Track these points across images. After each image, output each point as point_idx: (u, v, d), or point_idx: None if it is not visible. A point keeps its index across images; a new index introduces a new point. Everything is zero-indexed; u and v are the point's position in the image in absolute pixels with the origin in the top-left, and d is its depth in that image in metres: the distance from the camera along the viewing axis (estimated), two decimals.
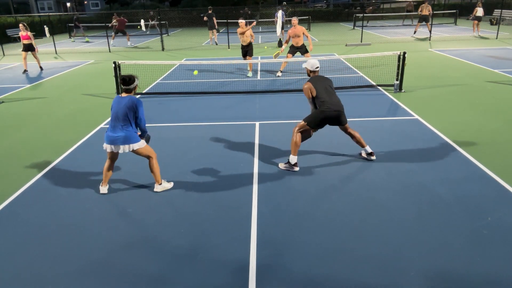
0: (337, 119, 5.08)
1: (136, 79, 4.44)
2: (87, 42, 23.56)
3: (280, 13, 17.12)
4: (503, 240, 3.59)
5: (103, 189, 4.72)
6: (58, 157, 5.87)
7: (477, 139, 6.01)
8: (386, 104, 8.06)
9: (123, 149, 4.40)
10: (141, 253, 3.60)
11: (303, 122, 5.11)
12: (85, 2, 50.21)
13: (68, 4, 48.37)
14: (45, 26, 22.33)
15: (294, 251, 3.56)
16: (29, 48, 12.92)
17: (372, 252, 3.51)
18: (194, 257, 3.52)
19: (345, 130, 5.30)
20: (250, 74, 11.34)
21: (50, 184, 5.01)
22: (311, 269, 3.32)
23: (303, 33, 10.23)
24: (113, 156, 4.63)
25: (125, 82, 4.37)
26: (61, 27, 30.32)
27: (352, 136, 5.32)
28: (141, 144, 4.46)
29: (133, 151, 4.45)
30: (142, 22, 25.60)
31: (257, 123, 7.06)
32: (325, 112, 4.97)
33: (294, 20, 10.26)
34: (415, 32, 20.27)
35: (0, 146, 6.45)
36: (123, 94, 4.43)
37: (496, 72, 10.74)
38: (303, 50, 10.40)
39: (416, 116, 7.19)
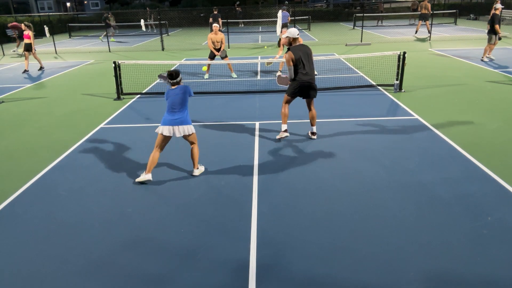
0: (308, 89, 5.83)
1: (180, 73, 5.11)
2: (104, 41, 22.86)
3: (280, 13, 17.10)
4: (503, 240, 3.59)
5: (148, 176, 4.91)
6: (58, 157, 5.87)
7: (477, 139, 6.02)
8: (386, 104, 8.06)
9: (182, 130, 4.92)
10: (140, 253, 3.60)
11: (285, 95, 5.99)
12: (85, 2, 50.21)
13: (68, 4, 48.37)
14: (45, 26, 22.30)
15: (294, 251, 3.56)
16: (28, 48, 12.93)
17: (372, 252, 3.51)
18: (194, 257, 3.52)
19: (308, 104, 6.05)
20: (234, 75, 11.25)
21: (50, 184, 5.01)
22: (311, 268, 3.32)
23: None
24: (163, 143, 4.96)
25: (172, 77, 5.04)
26: (61, 27, 30.30)
27: (310, 110, 6.07)
28: (193, 129, 5.05)
29: (185, 136, 4.99)
30: (142, 22, 25.59)
31: (257, 123, 7.06)
32: (298, 82, 5.76)
33: (284, 30, 10.24)
34: (416, 31, 20.27)
35: (0, 146, 6.46)
36: (173, 87, 5.08)
37: (496, 72, 10.74)
38: None
39: (416, 116, 7.19)
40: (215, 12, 19.55)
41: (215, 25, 10.55)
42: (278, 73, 11.14)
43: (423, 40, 18.68)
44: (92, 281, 3.26)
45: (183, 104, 4.98)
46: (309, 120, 6.22)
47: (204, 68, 9.68)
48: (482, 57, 12.57)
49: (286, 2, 27.15)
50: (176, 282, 3.22)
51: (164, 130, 4.89)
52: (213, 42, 10.53)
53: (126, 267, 3.42)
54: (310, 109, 6.08)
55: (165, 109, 4.99)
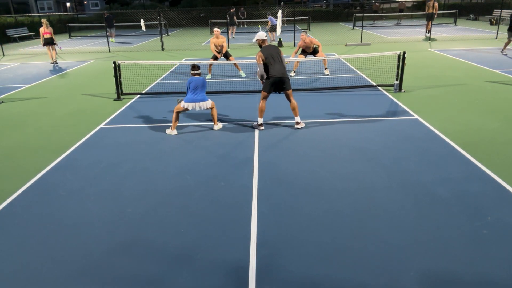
0: (281, 84, 6.41)
1: (199, 67, 6.62)
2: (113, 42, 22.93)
3: (279, 14, 17.13)
4: (503, 240, 3.59)
5: (174, 131, 6.65)
6: (58, 157, 5.87)
7: (477, 139, 6.02)
8: (386, 104, 8.06)
9: (201, 106, 6.53)
10: (140, 254, 3.60)
11: (262, 91, 6.53)
12: (85, 2, 50.21)
13: (68, 4, 48.36)
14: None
15: (294, 251, 3.56)
16: (50, 42, 14.42)
17: (372, 251, 3.51)
18: (193, 257, 3.52)
19: (287, 97, 6.56)
20: (243, 74, 11.34)
21: (50, 184, 5.01)
22: (311, 269, 3.32)
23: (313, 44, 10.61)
24: (182, 111, 6.66)
25: (195, 69, 6.54)
26: (60, 27, 30.31)
27: (290, 102, 6.60)
28: (211, 102, 6.66)
29: (207, 108, 6.62)
30: (142, 22, 25.60)
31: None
32: (271, 78, 6.35)
33: (303, 35, 10.56)
34: (427, 31, 20.13)
35: (0, 146, 6.46)
36: (196, 76, 6.56)
37: (496, 72, 10.74)
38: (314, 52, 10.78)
39: (416, 116, 7.19)
40: (232, 11, 20.23)
41: (216, 29, 10.68)
42: (291, 74, 11.21)
43: (423, 40, 18.68)
44: (92, 281, 3.26)
45: (203, 88, 6.55)
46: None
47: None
48: (502, 50, 13.96)
49: (282, 3, 27.42)
50: (176, 282, 3.22)
51: (189, 106, 6.48)
52: (216, 46, 10.66)
53: (126, 267, 3.42)
54: (290, 101, 6.61)
55: (188, 90, 6.53)
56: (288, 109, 7.85)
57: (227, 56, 10.81)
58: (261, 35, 6.62)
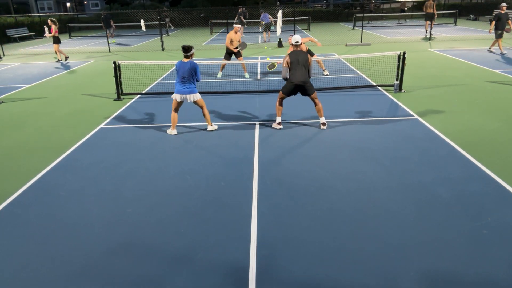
0: (303, 89, 6.48)
1: (192, 48, 6.19)
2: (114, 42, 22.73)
3: (280, 14, 17.14)
4: (503, 240, 3.59)
5: (174, 131, 6.58)
6: (58, 157, 5.87)
7: (477, 139, 6.02)
8: (386, 104, 8.06)
9: (189, 98, 6.27)
10: (140, 254, 3.60)
11: (280, 92, 6.66)
12: (85, 2, 50.21)
13: (68, 4, 48.37)
14: (45, 26, 22.32)
15: (294, 251, 3.55)
16: (59, 40, 15.08)
17: (372, 252, 3.51)
18: (193, 258, 3.52)
19: (312, 100, 6.60)
20: (247, 75, 11.37)
21: (50, 184, 5.01)
22: (311, 269, 3.32)
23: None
24: (178, 106, 6.45)
25: (185, 50, 6.12)
26: (61, 27, 30.25)
27: (315, 105, 6.63)
28: (199, 96, 6.40)
29: (194, 101, 6.33)
30: (142, 22, 25.60)
31: (257, 123, 7.06)
32: (292, 82, 6.42)
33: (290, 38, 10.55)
34: (426, 31, 20.15)
35: (0, 146, 6.45)
36: (184, 60, 6.19)
37: (496, 72, 10.74)
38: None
39: (416, 116, 7.19)
40: (240, 10, 20.46)
41: (236, 25, 10.76)
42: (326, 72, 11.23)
43: (423, 40, 18.68)
44: (92, 281, 3.26)
45: (191, 76, 6.17)
46: (318, 119, 6.81)
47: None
48: (501, 51, 13.77)
49: (278, 3, 27.65)
50: (176, 283, 3.22)
51: (177, 97, 6.29)
52: (232, 42, 10.71)
53: (126, 268, 3.42)
54: (315, 104, 6.64)
55: (176, 79, 6.27)
56: (289, 109, 7.87)
57: (237, 55, 10.85)
58: (294, 38, 6.59)
